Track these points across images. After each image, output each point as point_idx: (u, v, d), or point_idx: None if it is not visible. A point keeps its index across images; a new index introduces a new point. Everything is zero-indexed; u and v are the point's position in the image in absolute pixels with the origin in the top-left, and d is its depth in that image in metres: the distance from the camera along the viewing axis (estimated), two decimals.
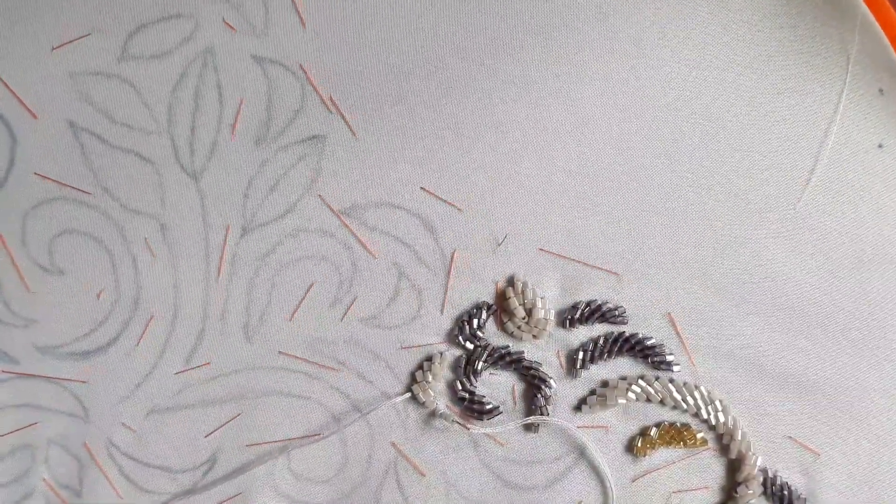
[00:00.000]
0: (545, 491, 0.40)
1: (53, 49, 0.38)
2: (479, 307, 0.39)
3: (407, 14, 0.37)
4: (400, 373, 0.40)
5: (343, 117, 0.38)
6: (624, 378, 0.39)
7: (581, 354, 0.39)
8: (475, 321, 0.39)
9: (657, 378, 0.39)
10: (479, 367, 0.39)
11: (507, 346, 0.39)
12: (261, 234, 0.39)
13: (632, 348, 0.39)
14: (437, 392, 0.39)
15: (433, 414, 0.39)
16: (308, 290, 0.39)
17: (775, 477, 0.39)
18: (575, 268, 0.39)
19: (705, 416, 0.39)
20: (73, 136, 0.38)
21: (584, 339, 0.39)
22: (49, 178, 0.39)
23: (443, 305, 0.39)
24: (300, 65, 0.38)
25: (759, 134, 0.38)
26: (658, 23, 0.37)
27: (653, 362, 0.39)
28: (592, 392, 0.40)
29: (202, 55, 0.38)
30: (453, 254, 0.39)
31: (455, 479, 0.40)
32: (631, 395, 0.39)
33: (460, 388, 0.39)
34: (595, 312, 0.39)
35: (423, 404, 0.39)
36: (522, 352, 0.39)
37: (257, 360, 0.39)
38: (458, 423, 0.39)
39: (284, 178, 0.39)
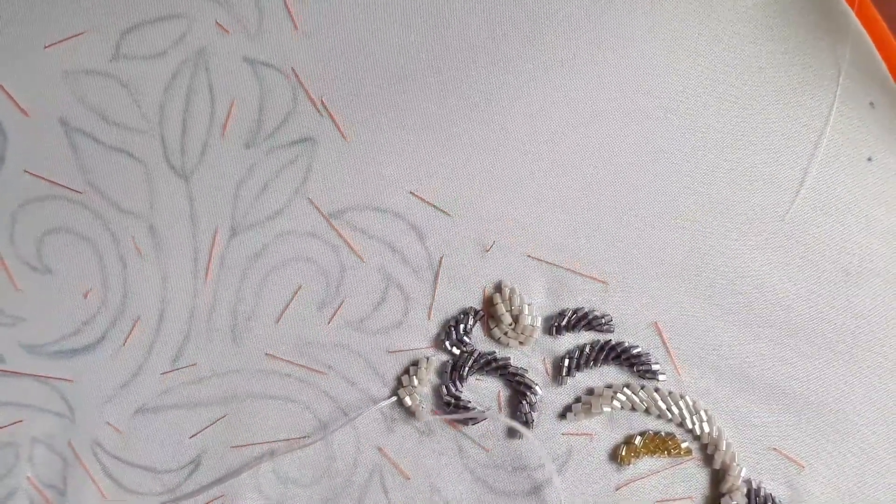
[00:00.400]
0: (529, 497, 0.40)
1: (46, 47, 0.38)
2: (466, 312, 0.39)
3: (399, 19, 0.37)
4: (386, 377, 0.40)
5: (334, 120, 0.38)
6: (609, 386, 0.39)
7: (567, 362, 0.39)
8: (462, 326, 0.39)
9: (642, 387, 0.39)
10: (465, 373, 0.39)
11: (494, 352, 0.39)
12: (250, 235, 0.39)
13: (618, 356, 0.39)
14: (423, 396, 0.39)
15: (415, 416, 0.39)
16: (296, 293, 0.39)
17: (759, 488, 0.39)
18: (562, 275, 0.39)
19: (690, 426, 0.39)
20: (64, 135, 0.38)
21: (571, 347, 0.39)
22: (40, 177, 0.39)
23: (430, 310, 0.39)
24: (292, 67, 0.38)
25: (749, 145, 0.38)
26: (649, 33, 0.37)
27: (638, 371, 0.39)
28: (578, 400, 0.40)
29: (194, 56, 0.38)
30: (441, 259, 0.39)
31: (439, 483, 0.40)
32: (616, 403, 0.39)
33: (446, 393, 0.39)
34: (582, 320, 0.39)
35: (408, 409, 0.39)
36: (508, 358, 0.39)
37: (244, 362, 0.39)
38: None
39: (274, 181, 0.39)
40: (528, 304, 0.39)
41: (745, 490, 0.39)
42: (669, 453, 0.39)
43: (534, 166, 0.38)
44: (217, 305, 0.39)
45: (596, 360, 0.39)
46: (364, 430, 0.40)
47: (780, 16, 0.38)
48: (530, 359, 0.40)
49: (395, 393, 0.39)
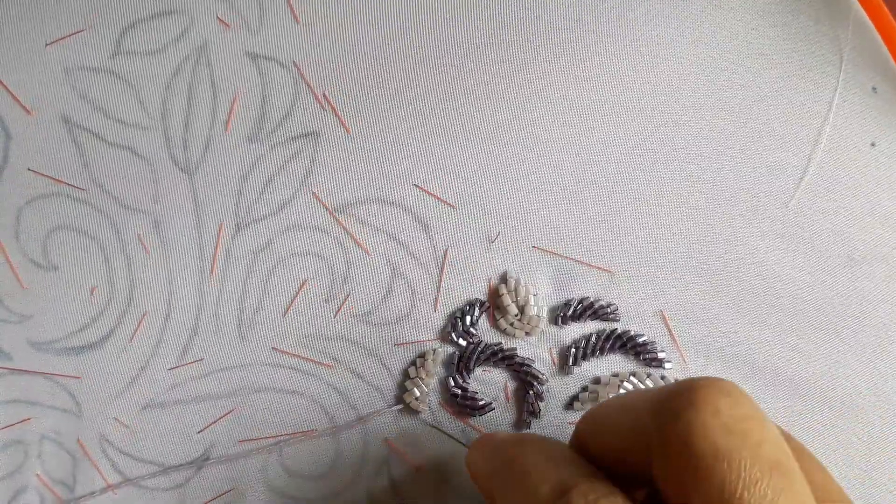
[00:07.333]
0: None
1: (48, 45, 0.38)
2: (471, 304, 0.39)
3: (400, 11, 0.38)
4: (393, 369, 0.40)
5: (336, 114, 0.38)
6: (616, 375, 0.40)
7: (573, 351, 0.39)
8: (468, 318, 0.39)
9: (649, 375, 0.39)
10: (472, 364, 0.39)
11: (500, 343, 0.39)
12: (254, 230, 0.39)
13: (624, 345, 0.39)
14: (430, 388, 0.39)
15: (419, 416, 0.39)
16: (301, 287, 0.39)
17: None
18: (568, 265, 0.39)
19: None
20: (67, 132, 0.39)
21: (577, 336, 0.40)
22: (43, 174, 0.39)
23: (436, 302, 0.39)
24: (294, 61, 0.38)
25: (752, 132, 0.38)
26: (651, 21, 0.37)
27: (644, 359, 0.39)
28: (584, 389, 0.40)
29: (196, 51, 0.38)
30: (446, 251, 0.39)
31: (447, 474, 0.40)
32: (623, 391, 0.39)
33: (453, 384, 0.39)
34: (587, 309, 0.39)
35: (415, 412, 0.39)
36: (515, 349, 0.39)
37: (251, 356, 0.39)
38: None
39: (278, 175, 0.39)
40: (534, 295, 0.39)
41: None
42: None
43: (538, 157, 0.38)
44: (223, 300, 0.39)
45: (602, 349, 0.39)
46: (371, 423, 0.40)
47: (782, 2, 0.38)
48: (537, 349, 0.40)
49: (402, 385, 0.39)
